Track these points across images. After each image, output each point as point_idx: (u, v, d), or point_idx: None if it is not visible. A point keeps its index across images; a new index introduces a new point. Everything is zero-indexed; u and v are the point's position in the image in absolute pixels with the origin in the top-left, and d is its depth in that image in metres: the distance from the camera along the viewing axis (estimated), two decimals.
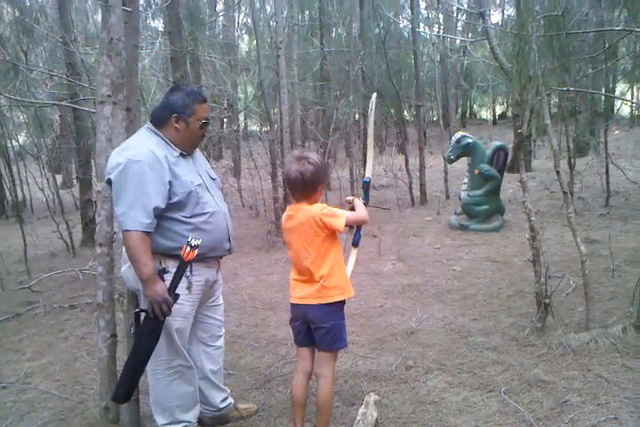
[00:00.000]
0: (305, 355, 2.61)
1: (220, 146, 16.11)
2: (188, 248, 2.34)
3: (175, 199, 2.36)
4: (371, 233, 7.18)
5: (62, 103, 6.71)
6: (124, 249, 2.48)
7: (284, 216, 2.57)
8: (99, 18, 11.92)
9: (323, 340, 2.51)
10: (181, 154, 2.48)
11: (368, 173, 2.85)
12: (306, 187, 2.44)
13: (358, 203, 2.54)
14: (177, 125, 2.46)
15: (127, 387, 2.40)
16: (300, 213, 2.46)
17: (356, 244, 2.79)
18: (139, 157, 2.30)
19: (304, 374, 2.57)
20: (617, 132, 15.77)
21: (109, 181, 2.36)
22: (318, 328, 2.49)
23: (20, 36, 9.09)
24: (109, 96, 2.58)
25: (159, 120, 2.48)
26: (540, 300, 3.60)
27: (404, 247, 6.50)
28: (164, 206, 2.33)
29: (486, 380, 3.10)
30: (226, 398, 2.85)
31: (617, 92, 15.08)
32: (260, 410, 2.94)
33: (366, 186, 2.81)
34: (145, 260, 2.29)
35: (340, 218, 2.40)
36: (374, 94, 2.96)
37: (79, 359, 3.87)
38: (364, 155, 12.41)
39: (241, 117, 14.90)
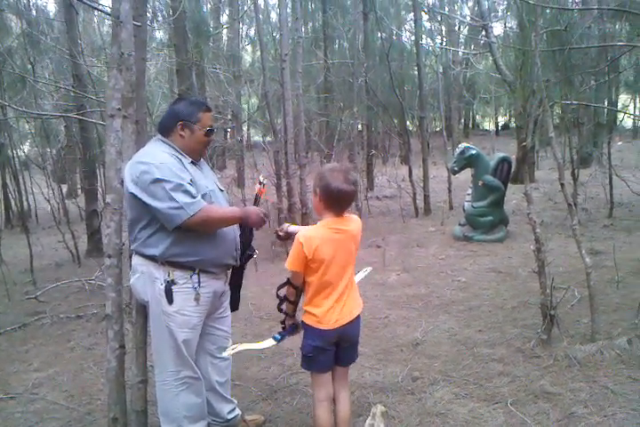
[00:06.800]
0: (329, 379, 2.51)
1: (224, 157, 16.19)
2: (260, 185, 2.74)
3: None
4: (375, 244, 7.20)
5: (69, 115, 6.75)
6: (132, 260, 2.51)
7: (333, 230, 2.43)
8: (105, 30, 12.05)
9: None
10: (192, 162, 2.53)
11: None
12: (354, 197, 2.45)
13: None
14: (182, 133, 2.51)
15: None
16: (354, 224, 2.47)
17: (276, 338, 2.54)
18: (160, 161, 2.35)
19: (329, 400, 2.47)
20: (620, 143, 15.81)
21: (133, 190, 2.35)
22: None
23: (27, 48, 9.16)
24: (119, 110, 2.61)
25: (166, 128, 2.54)
26: (545, 311, 3.61)
27: (408, 258, 6.51)
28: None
29: (492, 391, 3.11)
30: (233, 410, 2.87)
31: (619, 104, 15.13)
32: (268, 421, 2.96)
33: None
34: (227, 212, 2.48)
35: None
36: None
37: (86, 370, 3.87)
38: (368, 165, 12.50)
39: (245, 128, 14.98)
